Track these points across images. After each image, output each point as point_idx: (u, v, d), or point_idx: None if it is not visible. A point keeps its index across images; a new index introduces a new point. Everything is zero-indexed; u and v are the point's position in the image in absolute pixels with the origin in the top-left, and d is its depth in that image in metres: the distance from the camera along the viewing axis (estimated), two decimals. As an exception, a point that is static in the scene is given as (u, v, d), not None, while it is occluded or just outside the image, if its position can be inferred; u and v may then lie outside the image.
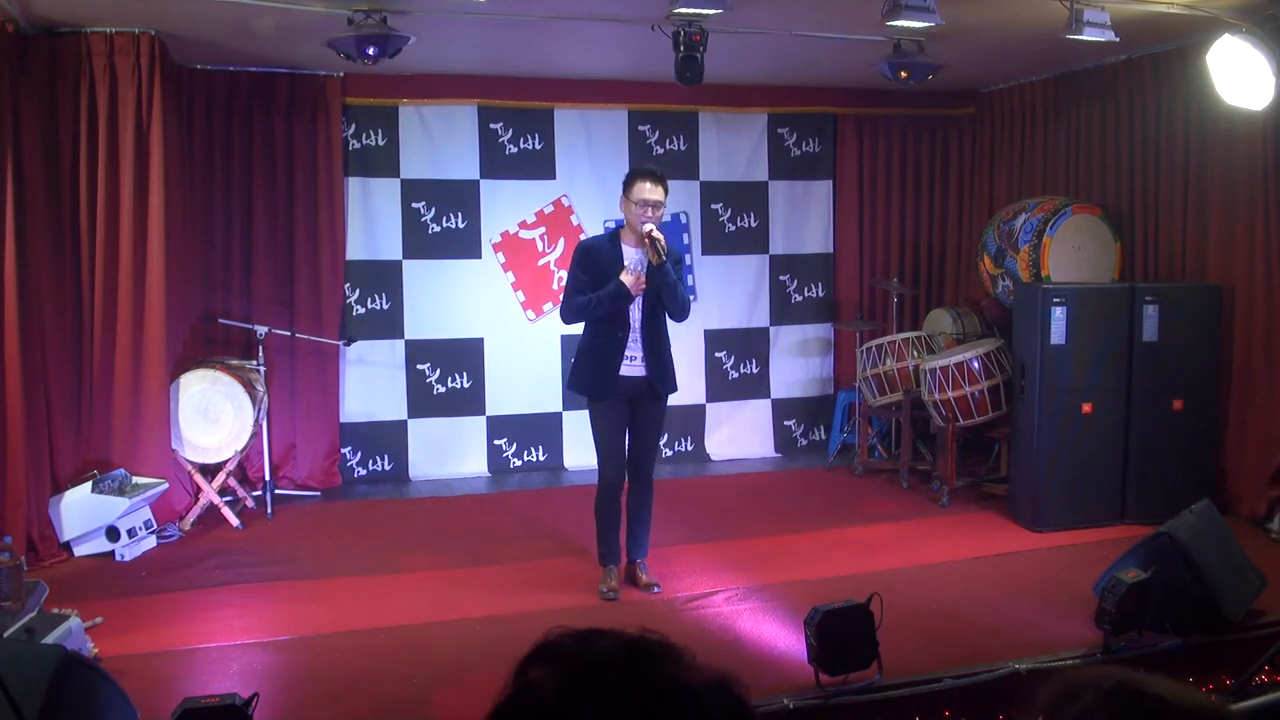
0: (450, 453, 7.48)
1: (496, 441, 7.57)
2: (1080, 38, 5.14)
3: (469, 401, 7.50)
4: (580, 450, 7.36)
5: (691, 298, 5.25)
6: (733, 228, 8.00)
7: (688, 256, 7.71)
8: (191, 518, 6.12)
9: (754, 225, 8.04)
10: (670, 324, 4.99)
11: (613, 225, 7.15)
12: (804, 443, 8.23)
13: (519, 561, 5.50)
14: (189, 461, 6.15)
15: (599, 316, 4.84)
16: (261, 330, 6.47)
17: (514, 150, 7.49)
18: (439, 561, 5.50)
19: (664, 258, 4.69)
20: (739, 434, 8.06)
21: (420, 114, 7.29)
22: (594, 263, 4.84)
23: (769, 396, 8.15)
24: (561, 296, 5.12)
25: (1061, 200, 6.78)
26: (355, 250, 7.21)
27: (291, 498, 6.82)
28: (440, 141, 7.36)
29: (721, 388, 8.02)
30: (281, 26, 5.55)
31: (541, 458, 7.65)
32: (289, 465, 7.02)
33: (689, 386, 7.30)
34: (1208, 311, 6.00)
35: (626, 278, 4.74)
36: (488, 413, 7.54)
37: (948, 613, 4.66)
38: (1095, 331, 5.90)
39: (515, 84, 7.33)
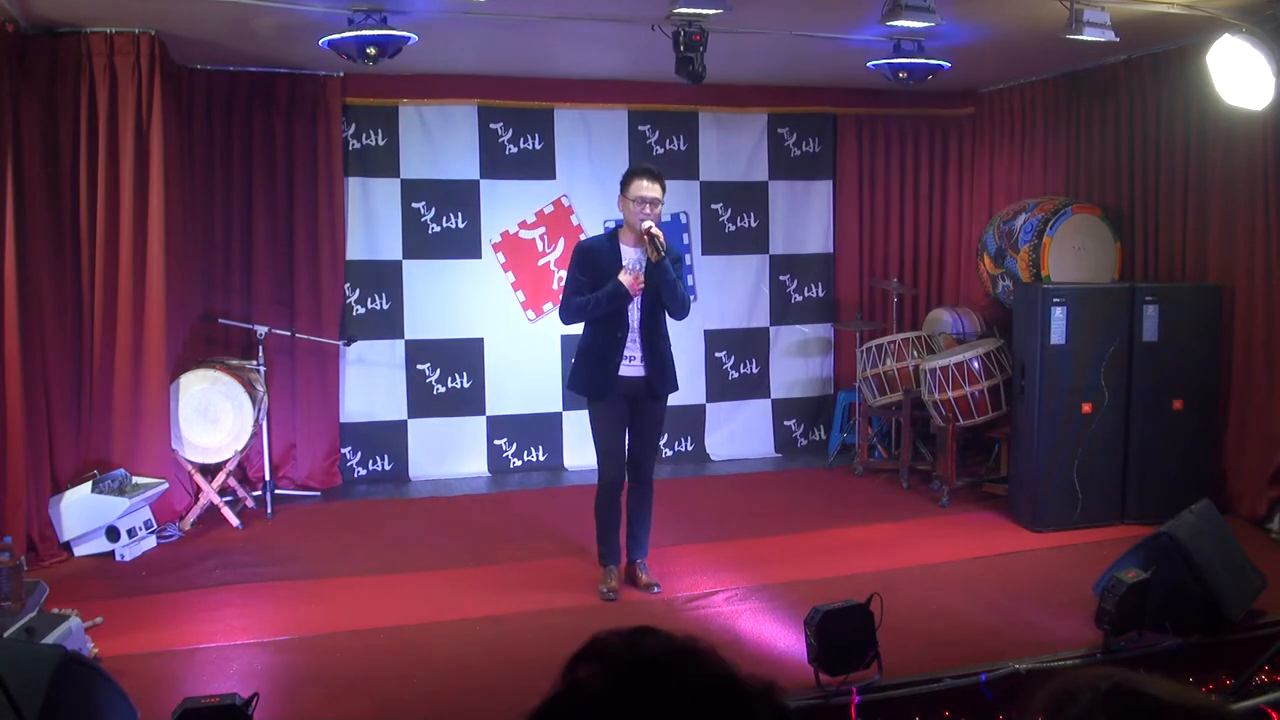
0: (450, 453, 7.48)
1: (496, 441, 7.57)
2: (1080, 38, 5.14)
3: (469, 401, 7.50)
4: (580, 450, 7.36)
5: (691, 297, 5.24)
6: (733, 228, 8.00)
7: (688, 256, 7.71)
8: (191, 518, 6.12)
9: (754, 225, 8.04)
10: (670, 323, 5.00)
11: (613, 225, 7.17)
12: (804, 443, 8.23)
13: (519, 561, 5.50)
14: (189, 461, 6.15)
15: (598, 316, 4.84)
16: (261, 330, 6.47)
17: (514, 150, 7.49)
18: (439, 561, 5.50)
19: (662, 254, 4.69)
20: (739, 434, 8.06)
21: (420, 114, 7.30)
22: (593, 263, 4.84)
23: (769, 396, 8.15)
24: (560, 297, 5.13)
25: (1061, 200, 6.78)
26: (355, 250, 7.22)
27: (291, 498, 6.82)
28: (440, 141, 7.36)
29: (721, 388, 8.02)
30: (281, 26, 5.55)
31: (541, 458, 7.65)
32: (289, 465, 7.02)
33: (689, 386, 7.30)
34: (1208, 311, 5.99)
35: (625, 277, 4.74)
36: (488, 413, 7.54)
37: (948, 613, 4.66)
38: (1095, 331, 5.90)
39: (515, 84, 7.33)
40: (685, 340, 7.45)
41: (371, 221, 7.27)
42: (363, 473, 7.35)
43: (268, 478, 6.45)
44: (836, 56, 6.54)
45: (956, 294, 8.26)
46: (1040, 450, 5.88)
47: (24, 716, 2.45)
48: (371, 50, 5.23)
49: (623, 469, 4.97)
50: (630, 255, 4.84)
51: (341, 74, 6.94)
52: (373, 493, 7.06)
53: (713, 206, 7.94)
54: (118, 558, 5.49)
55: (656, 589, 4.98)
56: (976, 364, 6.40)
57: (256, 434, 6.38)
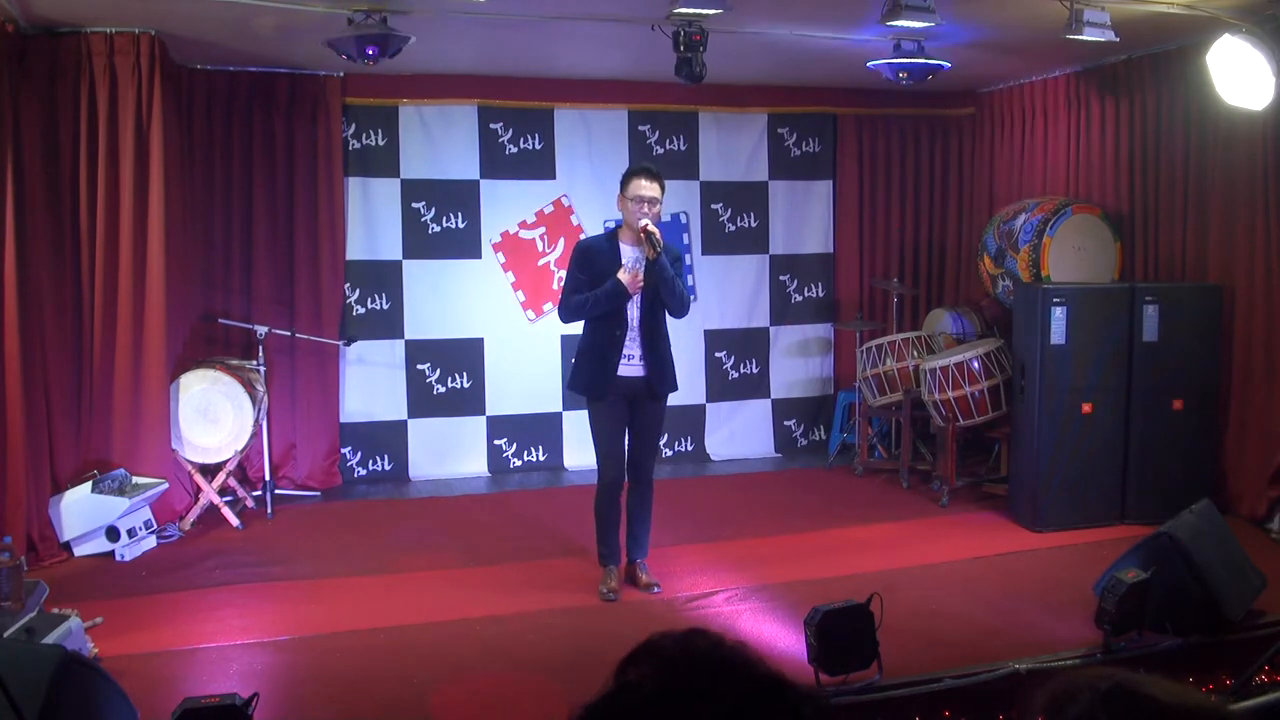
0: (450, 453, 7.48)
1: (496, 441, 7.57)
2: (1080, 38, 5.14)
3: (469, 401, 7.50)
4: (580, 450, 7.36)
5: (691, 297, 5.25)
6: (733, 228, 8.00)
7: (688, 256, 7.71)
8: (191, 518, 6.12)
9: (754, 225, 8.04)
10: (671, 324, 5.00)
11: (613, 225, 7.17)
12: (804, 443, 8.23)
13: (519, 561, 5.50)
14: (189, 461, 6.15)
15: (597, 315, 4.85)
16: (261, 330, 6.47)
17: (514, 150, 7.50)
18: (439, 561, 5.50)
19: (659, 252, 4.70)
20: (739, 434, 8.06)
21: (420, 114, 7.30)
22: (592, 262, 4.85)
23: (769, 396, 8.16)
24: (560, 296, 5.13)
25: (1061, 200, 6.78)
26: (355, 250, 7.22)
27: (291, 498, 6.82)
28: (440, 141, 7.36)
29: (721, 388, 8.02)
30: (281, 26, 5.55)
31: (541, 458, 7.65)
32: (289, 465, 7.02)
33: (689, 386, 7.31)
34: (1208, 311, 5.99)
35: (624, 275, 4.75)
36: (488, 413, 7.54)
37: (948, 613, 4.66)
38: (1095, 331, 5.90)
39: (515, 84, 7.33)
40: (685, 340, 7.45)
41: (371, 221, 7.27)
42: (363, 473, 7.35)
43: (268, 478, 6.45)
44: (836, 56, 6.54)
45: (956, 294, 8.27)
46: (1040, 450, 5.88)
47: (24, 716, 2.45)
48: (371, 50, 5.23)
49: (622, 469, 4.97)
50: (629, 254, 4.85)
51: (341, 74, 6.94)
52: (373, 493, 7.06)
53: (713, 206, 7.94)
54: (118, 558, 5.49)
55: (656, 589, 4.98)
56: (976, 364, 6.40)
57: (256, 434, 6.38)
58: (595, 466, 5.04)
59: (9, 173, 5.17)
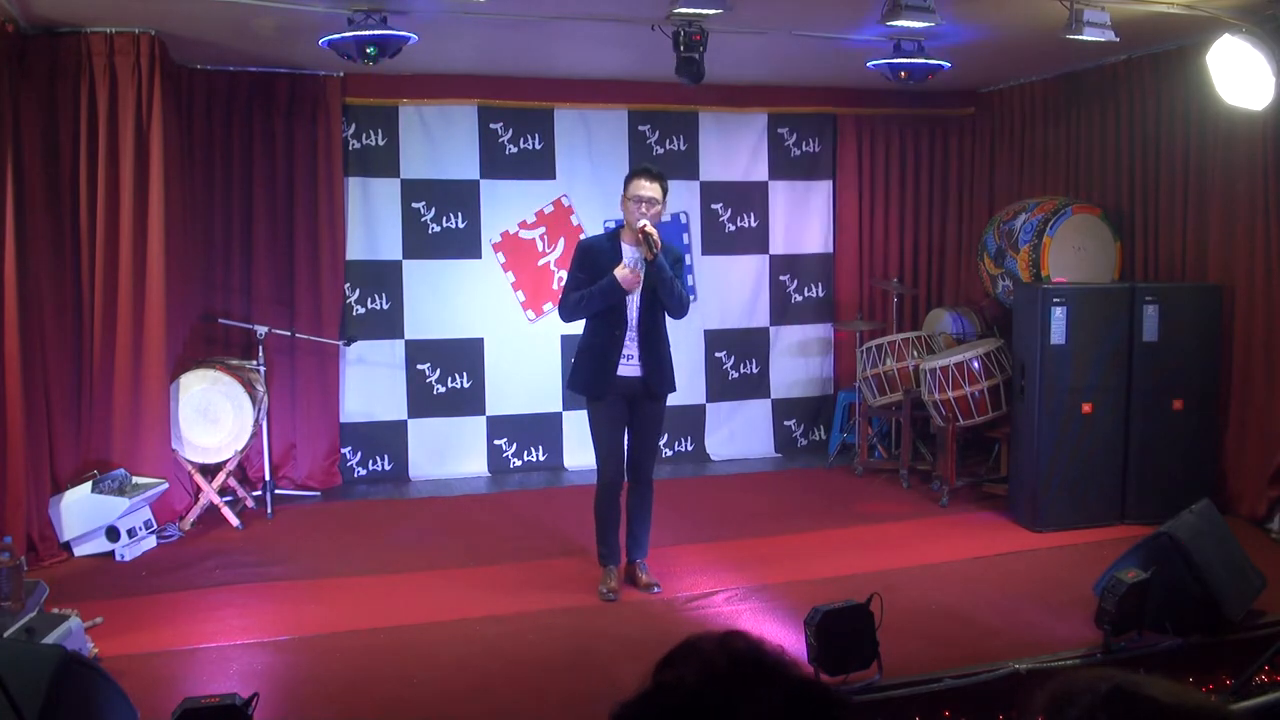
0: (450, 453, 7.48)
1: (496, 441, 7.57)
2: (1080, 38, 5.14)
3: (469, 401, 7.50)
4: (580, 450, 7.36)
5: (691, 297, 5.25)
6: (733, 228, 8.00)
7: (688, 256, 7.71)
8: (191, 518, 6.12)
9: (754, 225, 8.04)
10: (671, 324, 5.00)
11: (613, 225, 7.16)
12: (804, 443, 8.23)
13: (519, 561, 5.50)
14: (189, 461, 6.15)
15: (597, 313, 4.86)
16: (261, 330, 6.47)
17: (514, 150, 7.49)
18: (439, 561, 5.50)
19: (655, 253, 4.71)
20: (739, 434, 8.06)
21: (420, 114, 7.30)
22: (593, 262, 4.86)
23: (769, 396, 8.15)
24: (560, 295, 5.14)
25: (1061, 200, 6.78)
26: (355, 250, 7.22)
27: (291, 498, 6.82)
28: (440, 141, 7.36)
29: (721, 388, 8.02)
30: (281, 26, 5.55)
31: (541, 458, 7.65)
32: (289, 465, 7.02)
33: (689, 386, 7.31)
34: (1208, 311, 6.00)
35: (620, 270, 4.75)
36: (488, 413, 7.54)
37: (948, 613, 4.66)
38: (1095, 331, 5.90)
39: (515, 84, 7.33)
40: (685, 340, 7.45)
41: (371, 221, 7.27)
42: (363, 473, 7.35)
43: (268, 478, 6.45)
44: (836, 56, 6.54)
45: (956, 294, 8.27)
46: (1040, 450, 5.88)
47: (24, 716, 2.45)
48: (371, 50, 5.23)
49: (622, 469, 4.97)
50: (630, 254, 4.85)
51: (341, 74, 6.94)
52: (373, 493, 7.05)
53: (713, 206, 7.94)
54: (118, 558, 5.49)
55: (656, 589, 4.98)
56: (976, 364, 6.40)
57: (256, 434, 6.38)
58: (595, 466, 5.04)
59: (9, 173, 5.17)
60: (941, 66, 6.06)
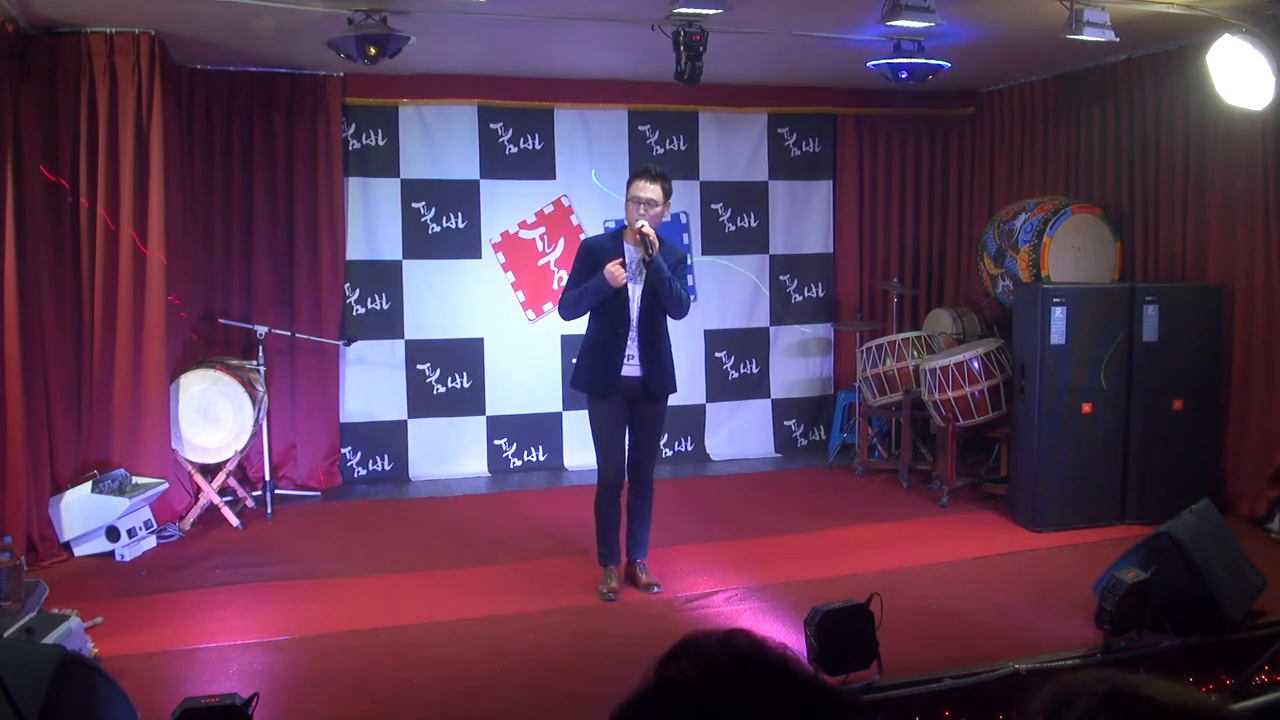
0: (450, 453, 7.48)
1: (496, 441, 7.57)
2: (1080, 38, 5.14)
3: (469, 401, 7.50)
4: (580, 450, 7.36)
5: (691, 297, 5.26)
6: (733, 228, 8.00)
7: (688, 256, 7.70)
8: (191, 518, 6.12)
9: (754, 225, 8.04)
10: (671, 324, 5.00)
11: (613, 225, 7.17)
12: (804, 443, 8.23)
13: (519, 561, 5.50)
14: (189, 461, 6.15)
15: (599, 313, 4.87)
16: (261, 330, 6.47)
17: (514, 150, 7.49)
18: (439, 561, 5.50)
19: (651, 253, 4.71)
20: (739, 434, 8.06)
21: (420, 114, 7.29)
22: (595, 261, 4.87)
23: (769, 396, 8.15)
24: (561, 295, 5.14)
25: (1061, 200, 6.78)
26: (355, 250, 7.22)
27: (291, 498, 6.82)
28: (440, 141, 7.36)
29: (721, 388, 8.02)
30: (281, 26, 5.55)
31: (541, 458, 7.65)
32: (289, 465, 7.02)
33: (689, 386, 7.30)
34: (1208, 311, 6.00)
35: (611, 266, 4.75)
36: (488, 413, 7.54)
37: (948, 613, 4.66)
38: (1095, 331, 5.90)
39: (515, 84, 7.33)
40: (685, 340, 7.45)
41: (371, 221, 7.27)
42: (363, 473, 7.35)
43: (268, 478, 6.45)
44: (836, 56, 6.54)
45: (956, 294, 8.27)
46: (1040, 450, 5.88)
47: (24, 716, 2.45)
48: (371, 50, 5.23)
49: (622, 469, 4.97)
50: (632, 254, 4.86)
51: (341, 74, 6.94)
52: (373, 493, 7.06)
53: (713, 206, 7.94)
54: (118, 558, 5.49)
55: (656, 589, 4.98)
56: (976, 364, 6.40)
57: (256, 434, 6.38)
58: (595, 466, 5.04)
59: (9, 173, 5.17)
60: (941, 66, 6.06)
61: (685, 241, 7.81)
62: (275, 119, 6.89)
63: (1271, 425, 5.84)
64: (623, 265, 4.78)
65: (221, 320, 6.67)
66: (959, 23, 5.59)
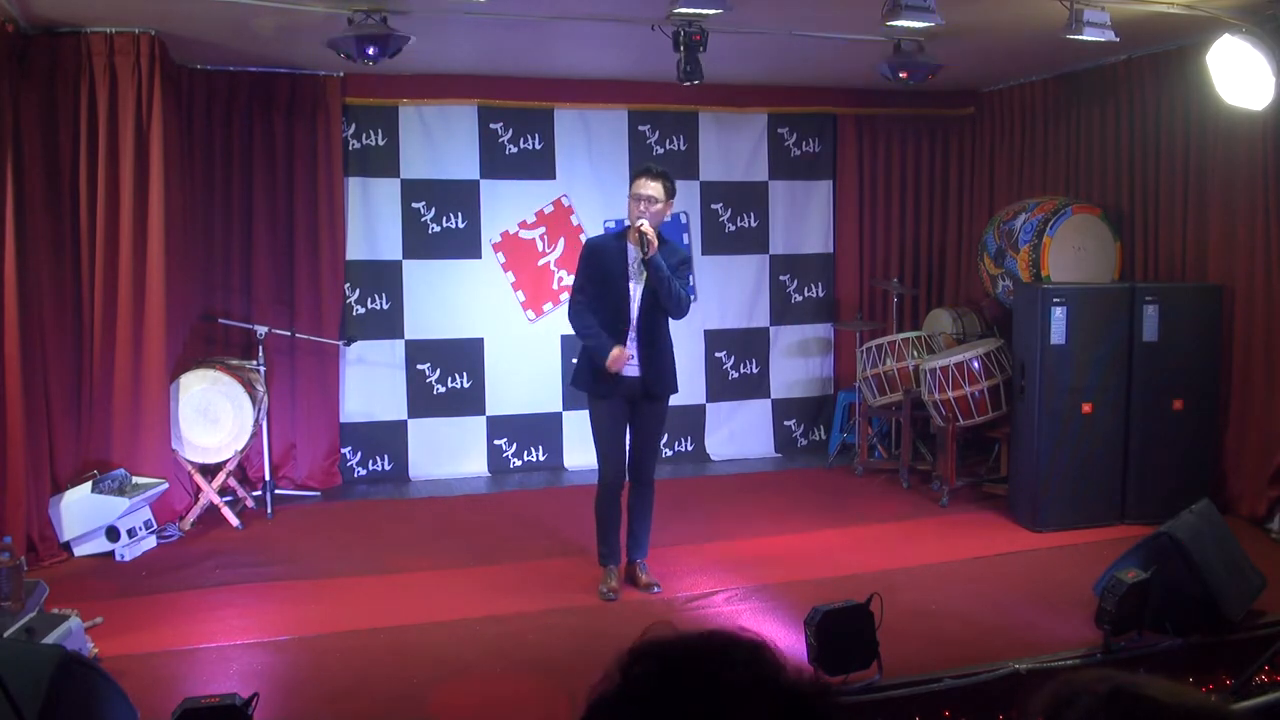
0: (450, 453, 7.48)
1: (496, 441, 7.57)
2: (1080, 38, 5.14)
3: (469, 401, 7.50)
4: (580, 450, 7.36)
5: (692, 298, 5.26)
6: (733, 228, 8.00)
7: (691, 258, 7.70)
8: (191, 518, 6.12)
9: (754, 225, 8.04)
10: (671, 324, 5.00)
11: (613, 225, 7.17)
12: (804, 443, 8.23)
13: (519, 561, 5.50)
14: (189, 461, 6.15)
15: (596, 310, 4.88)
16: (261, 330, 6.47)
17: (514, 150, 7.49)
18: (439, 561, 5.50)
19: (648, 252, 4.71)
20: (739, 434, 8.06)
21: (420, 114, 7.29)
22: (599, 262, 4.88)
23: (769, 396, 8.15)
24: (571, 293, 5.14)
25: (1061, 200, 6.78)
26: (355, 250, 7.22)
27: (291, 498, 6.82)
28: (440, 141, 7.36)
29: (721, 388, 8.02)
30: (281, 26, 5.55)
31: (541, 458, 7.65)
32: (289, 465, 7.02)
33: (689, 386, 7.30)
34: (1208, 311, 5.99)
35: (614, 352, 4.77)
36: (488, 413, 7.54)
37: (948, 613, 4.66)
38: (1095, 331, 5.90)
39: (515, 84, 7.33)
40: (685, 340, 7.44)
41: (371, 221, 7.27)
42: (363, 473, 7.35)
43: (268, 478, 6.45)
44: (836, 56, 6.54)
45: (956, 294, 8.27)
46: (1040, 450, 5.88)
47: (24, 716, 2.45)
48: (371, 50, 5.23)
49: (623, 469, 4.97)
50: (634, 253, 4.86)
51: (341, 74, 6.94)
52: (373, 493, 7.05)
53: (713, 206, 7.94)
54: (118, 558, 5.49)
55: (656, 589, 4.98)
56: (976, 364, 6.40)
57: (256, 434, 6.38)
58: (595, 466, 5.04)
59: (9, 173, 5.17)
60: (941, 66, 6.06)
61: (685, 241, 7.80)
62: (275, 119, 6.89)
63: (1271, 425, 5.84)
64: (621, 349, 4.79)
65: (221, 320, 6.67)
66: (959, 23, 5.58)
